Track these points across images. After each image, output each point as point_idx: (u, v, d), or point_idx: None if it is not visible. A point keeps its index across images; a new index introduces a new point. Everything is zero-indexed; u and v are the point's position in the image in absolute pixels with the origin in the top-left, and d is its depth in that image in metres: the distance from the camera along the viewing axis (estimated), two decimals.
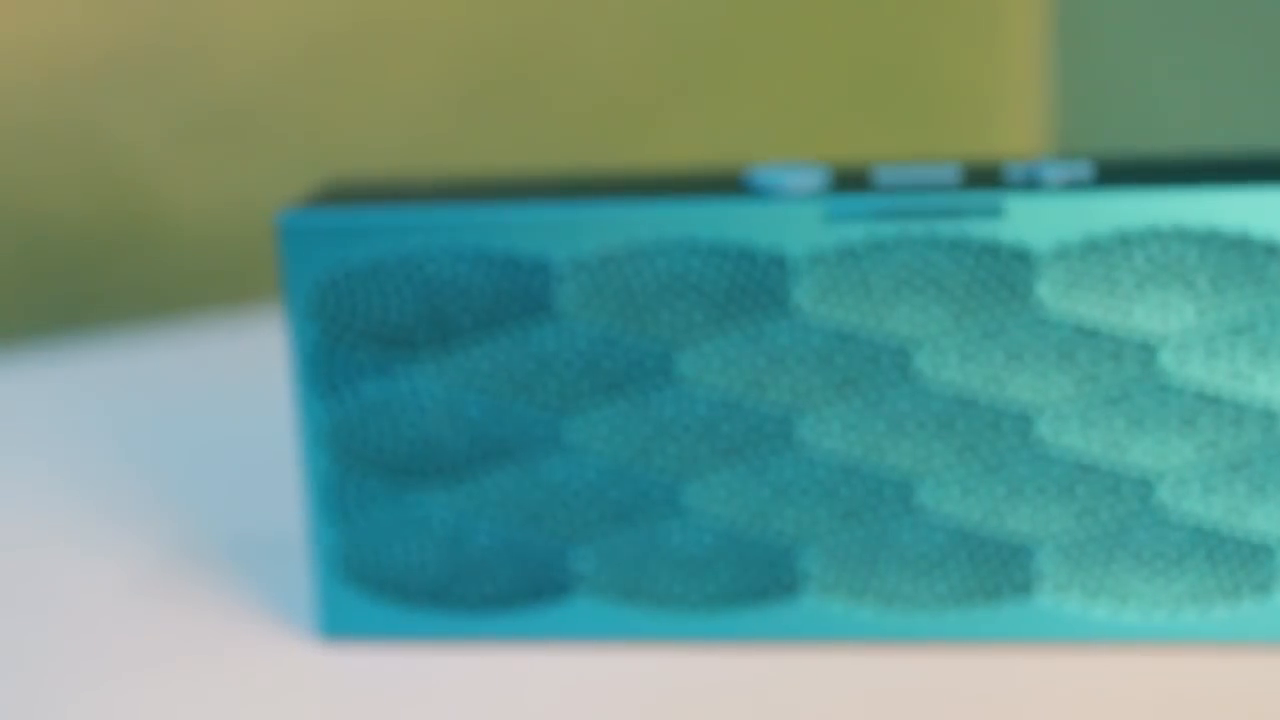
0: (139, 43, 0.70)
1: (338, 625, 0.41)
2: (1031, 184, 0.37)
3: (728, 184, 0.39)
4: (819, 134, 0.82)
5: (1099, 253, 0.37)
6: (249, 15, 0.71)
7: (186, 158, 0.72)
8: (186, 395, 0.60)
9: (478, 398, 0.39)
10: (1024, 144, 0.86)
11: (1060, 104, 0.83)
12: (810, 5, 0.80)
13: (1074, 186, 0.37)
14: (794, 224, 0.37)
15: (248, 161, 0.73)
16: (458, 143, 0.76)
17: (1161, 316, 0.37)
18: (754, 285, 0.38)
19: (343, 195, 0.41)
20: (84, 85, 0.70)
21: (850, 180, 0.39)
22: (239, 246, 0.74)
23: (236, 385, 0.61)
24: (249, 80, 0.72)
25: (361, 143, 0.75)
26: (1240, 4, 0.75)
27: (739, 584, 0.40)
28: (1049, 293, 0.37)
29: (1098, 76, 0.81)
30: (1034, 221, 0.37)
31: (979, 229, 0.37)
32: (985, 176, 0.38)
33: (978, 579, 0.39)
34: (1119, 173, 0.38)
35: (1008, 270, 0.37)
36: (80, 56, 0.70)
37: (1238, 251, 0.36)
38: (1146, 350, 0.37)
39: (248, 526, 0.48)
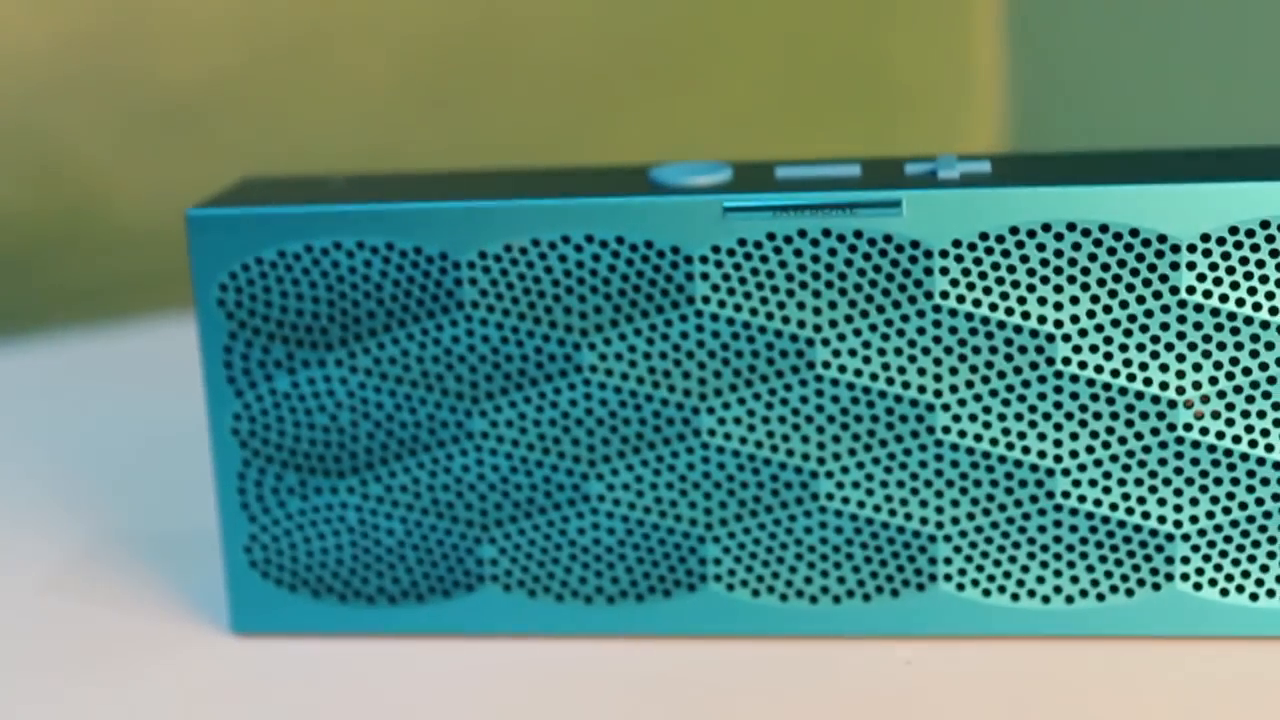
0: (83, 40, 0.70)
1: (250, 619, 0.42)
2: (929, 181, 0.38)
3: (634, 182, 0.39)
4: (778, 131, 0.82)
5: (993, 247, 0.37)
6: (196, 12, 0.72)
7: (132, 157, 0.72)
8: (121, 394, 0.61)
9: (386, 391, 0.40)
10: (983, 144, 0.87)
11: (1018, 104, 0.83)
12: (771, 1, 0.81)
13: (970, 183, 0.37)
14: (694, 220, 0.38)
15: (194, 160, 0.73)
16: (408, 140, 0.76)
17: (1055, 309, 0.37)
18: (656, 280, 0.38)
19: (255, 193, 0.41)
20: (27, 83, 0.70)
21: (752, 177, 0.39)
22: (184, 247, 0.74)
23: (175, 384, 0.61)
24: (195, 77, 0.72)
25: (310, 140, 0.75)
26: (1189, 5, 0.76)
27: (645, 576, 0.40)
28: (945, 286, 0.37)
29: (1054, 77, 0.82)
30: (929, 217, 0.37)
31: (876, 224, 0.37)
32: (885, 173, 0.39)
33: (880, 571, 0.39)
34: (1017, 169, 0.39)
35: (904, 265, 0.37)
36: (23, 54, 0.70)
37: (1128, 246, 0.37)
38: (1041, 342, 0.38)
39: (175, 523, 0.49)
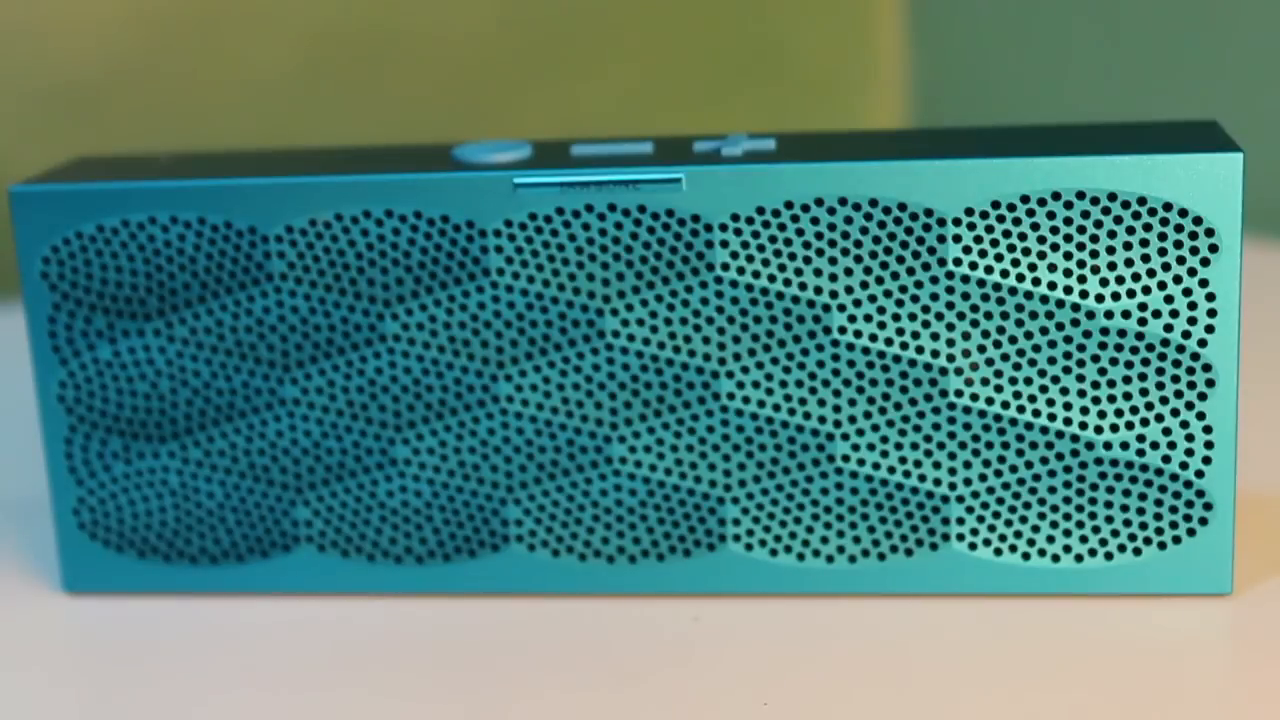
0: None
1: (80, 579, 0.43)
2: (712, 158, 0.40)
3: (436, 159, 0.41)
4: (680, 112, 0.83)
5: (770, 221, 0.39)
6: None
7: (30, 143, 0.74)
8: None
9: (203, 360, 0.41)
10: (888, 124, 0.88)
11: (920, 84, 0.85)
12: None
13: (750, 160, 0.39)
14: (488, 195, 0.40)
15: (92, 147, 0.75)
16: (308, 125, 0.78)
17: (830, 280, 0.39)
18: (452, 252, 0.40)
19: (83, 170, 0.43)
20: None
21: (549, 155, 0.41)
22: None
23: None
24: (93, 59, 0.74)
25: (210, 127, 0.77)
26: None
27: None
28: (725, 259, 0.39)
29: (956, 58, 0.84)
30: (709, 192, 0.39)
31: (659, 199, 0.39)
32: (673, 151, 0.40)
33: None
34: (800, 147, 0.40)
35: (686, 238, 0.39)
36: None
37: (898, 220, 0.39)
38: (818, 312, 0.39)
39: (14, 489, 0.50)
